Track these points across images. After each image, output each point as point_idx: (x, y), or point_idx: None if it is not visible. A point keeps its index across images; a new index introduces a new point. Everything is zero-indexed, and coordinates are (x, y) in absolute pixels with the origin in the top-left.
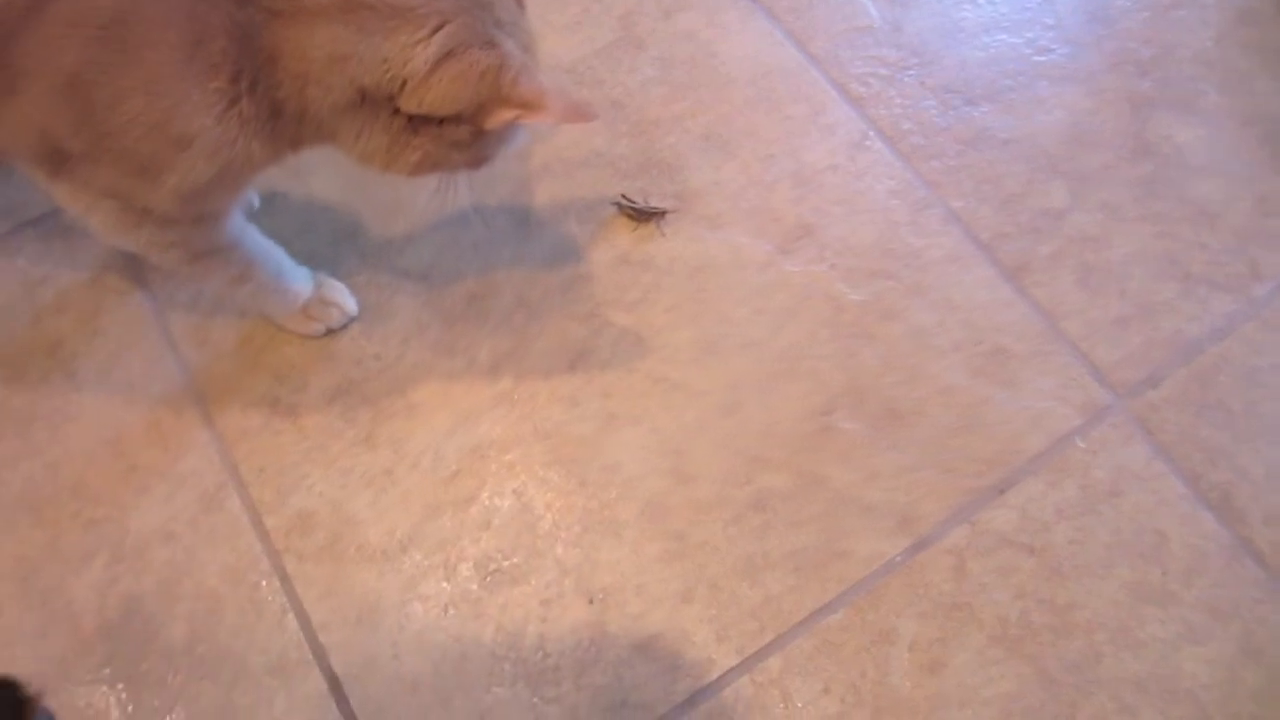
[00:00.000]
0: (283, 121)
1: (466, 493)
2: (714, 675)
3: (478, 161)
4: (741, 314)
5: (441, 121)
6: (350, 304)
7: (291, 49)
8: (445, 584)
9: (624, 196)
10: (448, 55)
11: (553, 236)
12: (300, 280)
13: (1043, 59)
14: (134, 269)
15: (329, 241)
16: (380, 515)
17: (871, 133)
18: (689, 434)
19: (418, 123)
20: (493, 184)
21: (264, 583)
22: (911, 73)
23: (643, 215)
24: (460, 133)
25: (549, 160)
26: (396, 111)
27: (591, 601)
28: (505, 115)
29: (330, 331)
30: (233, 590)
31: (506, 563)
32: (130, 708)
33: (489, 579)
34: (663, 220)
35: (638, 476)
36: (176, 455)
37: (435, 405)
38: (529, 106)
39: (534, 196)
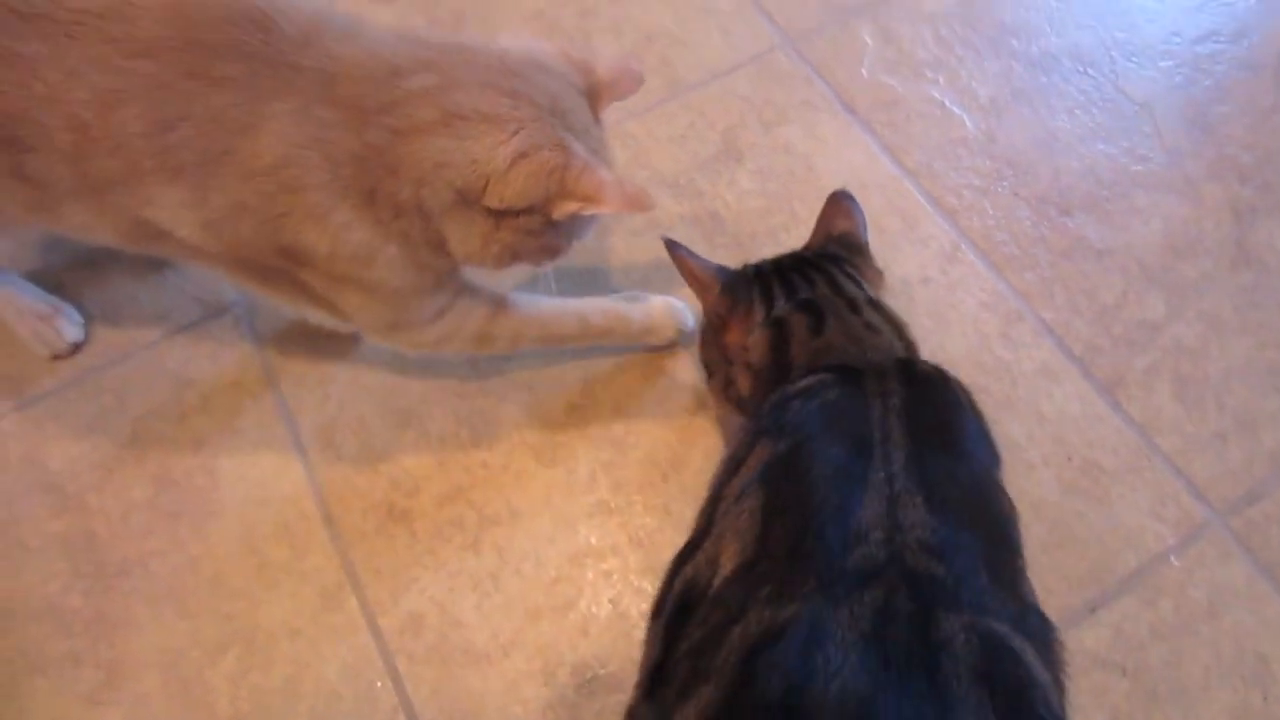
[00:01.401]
0: (410, 220)
1: (565, 599)
2: None
3: (553, 251)
4: None
5: (519, 214)
6: (689, 318)
7: (409, 160)
8: (544, 688)
9: None
10: (522, 155)
11: (648, 351)
12: (620, 305)
13: (1140, 168)
14: (269, 372)
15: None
16: (485, 619)
17: (964, 244)
18: None
19: (500, 216)
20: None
21: (379, 683)
22: (1005, 183)
23: None
24: (534, 222)
25: (648, 272)
26: (485, 210)
27: None
28: (570, 206)
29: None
30: (350, 688)
31: (603, 670)
32: None
33: (586, 686)
34: None
35: None
36: (301, 553)
37: (537, 512)
38: (590, 199)
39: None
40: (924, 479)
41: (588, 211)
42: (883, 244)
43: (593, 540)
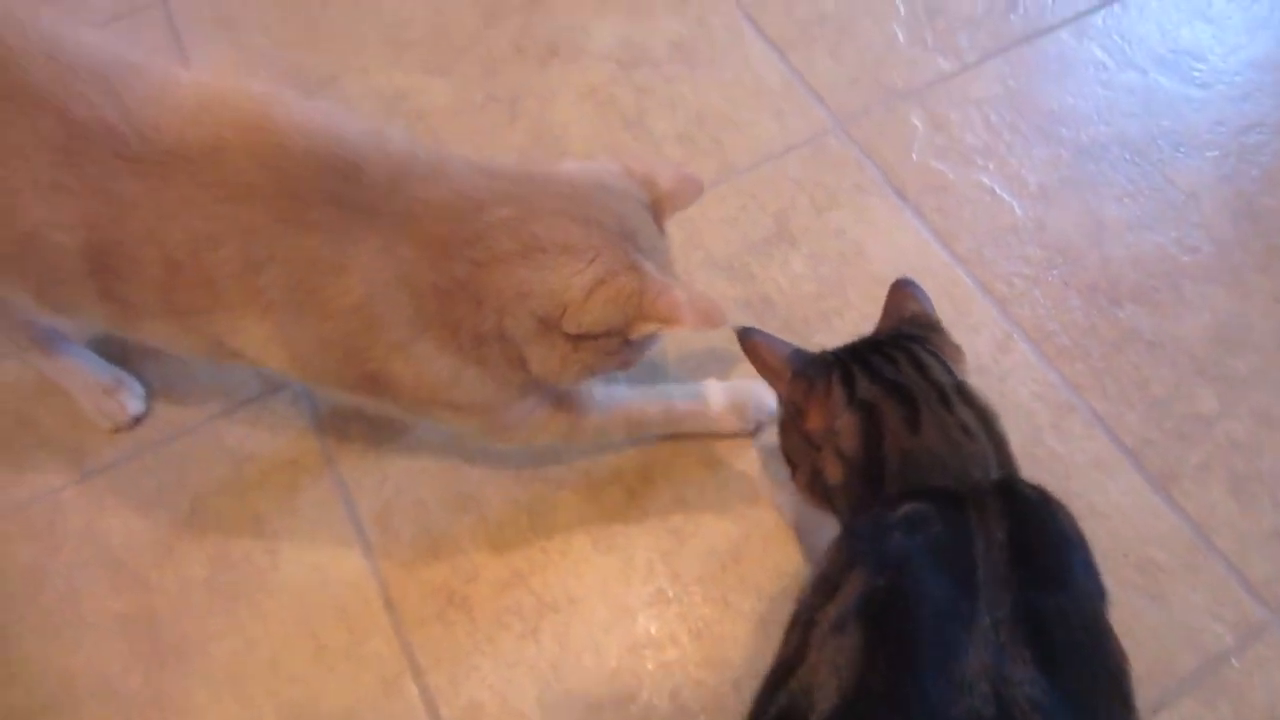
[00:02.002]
0: (491, 345)
1: (626, 691)
2: None
3: (626, 365)
4: None
5: (598, 337)
6: (770, 402)
7: (492, 291)
8: None
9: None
10: (599, 283)
11: (701, 436)
12: (701, 392)
13: (1189, 258)
14: (327, 451)
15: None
16: (546, 711)
17: (1015, 333)
18: None
19: (579, 339)
20: (653, 380)
21: None
22: (1056, 272)
23: None
24: (612, 344)
25: (704, 360)
26: (564, 334)
27: None
28: (648, 328)
29: (758, 426)
30: None
31: None
32: None
33: None
34: None
35: None
36: (361, 638)
37: (595, 600)
38: (666, 320)
39: None
40: (1033, 627)
41: (664, 331)
42: None
43: (652, 630)
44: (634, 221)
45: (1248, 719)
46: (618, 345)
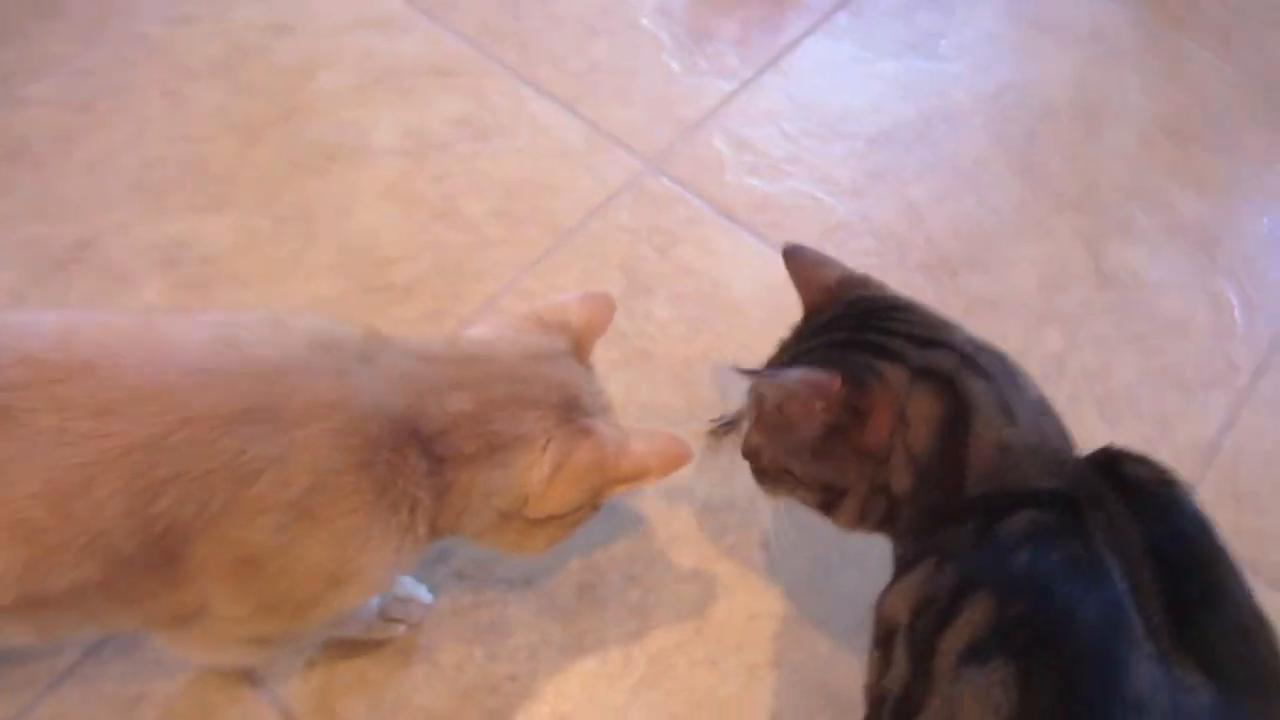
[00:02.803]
0: (430, 532)
1: None
2: None
3: (591, 516)
4: (830, 531)
5: (565, 515)
6: (424, 592)
7: (457, 488)
8: None
9: (712, 421)
10: (557, 469)
11: (633, 504)
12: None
13: (994, 219)
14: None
15: (423, 568)
16: None
17: None
18: (828, 665)
19: (544, 520)
20: None
21: None
22: (892, 256)
23: (728, 425)
24: (581, 514)
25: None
26: (526, 519)
27: None
28: (617, 490)
29: (410, 628)
30: None
31: None
32: None
33: None
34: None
35: None
36: None
37: (584, 710)
38: (633, 478)
39: None
40: (1189, 630)
41: (642, 487)
42: None
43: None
44: (571, 383)
45: None
46: (587, 512)
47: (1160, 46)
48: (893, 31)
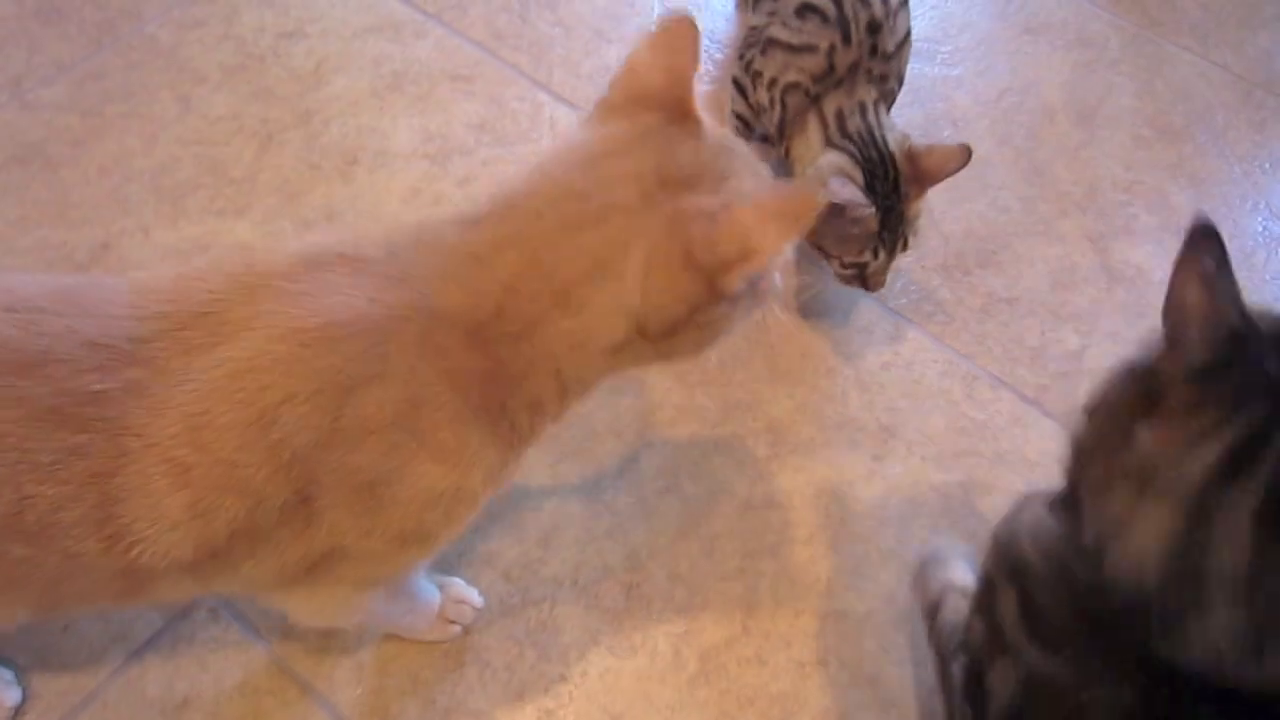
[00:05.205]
0: (538, 417)
1: None
2: None
3: (750, 311)
4: (868, 527)
5: (685, 321)
6: (476, 595)
7: (541, 361)
8: None
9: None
10: (647, 273)
11: (674, 503)
12: (434, 592)
13: (1005, 219)
14: (280, 660)
15: (470, 571)
16: None
17: (900, 322)
18: (874, 660)
19: (668, 334)
20: (600, 464)
21: None
22: (910, 257)
23: None
24: (714, 313)
25: (642, 428)
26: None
27: None
28: (732, 278)
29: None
30: None
31: None
32: None
33: None
34: None
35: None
36: None
37: (639, 711)
38: (743, 256)
39: (641, 469)
40: None
41: (757, 267)
42: (835, 341)
43: (706, 717)
44: (651, 165)
45: None
46: (723, 309)
47: (1143, 48)
48: None
